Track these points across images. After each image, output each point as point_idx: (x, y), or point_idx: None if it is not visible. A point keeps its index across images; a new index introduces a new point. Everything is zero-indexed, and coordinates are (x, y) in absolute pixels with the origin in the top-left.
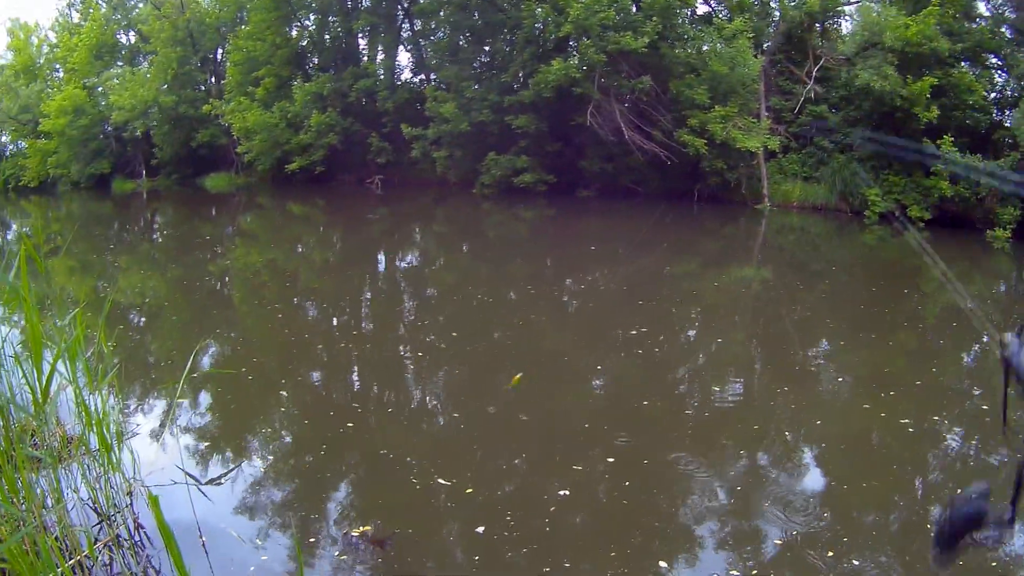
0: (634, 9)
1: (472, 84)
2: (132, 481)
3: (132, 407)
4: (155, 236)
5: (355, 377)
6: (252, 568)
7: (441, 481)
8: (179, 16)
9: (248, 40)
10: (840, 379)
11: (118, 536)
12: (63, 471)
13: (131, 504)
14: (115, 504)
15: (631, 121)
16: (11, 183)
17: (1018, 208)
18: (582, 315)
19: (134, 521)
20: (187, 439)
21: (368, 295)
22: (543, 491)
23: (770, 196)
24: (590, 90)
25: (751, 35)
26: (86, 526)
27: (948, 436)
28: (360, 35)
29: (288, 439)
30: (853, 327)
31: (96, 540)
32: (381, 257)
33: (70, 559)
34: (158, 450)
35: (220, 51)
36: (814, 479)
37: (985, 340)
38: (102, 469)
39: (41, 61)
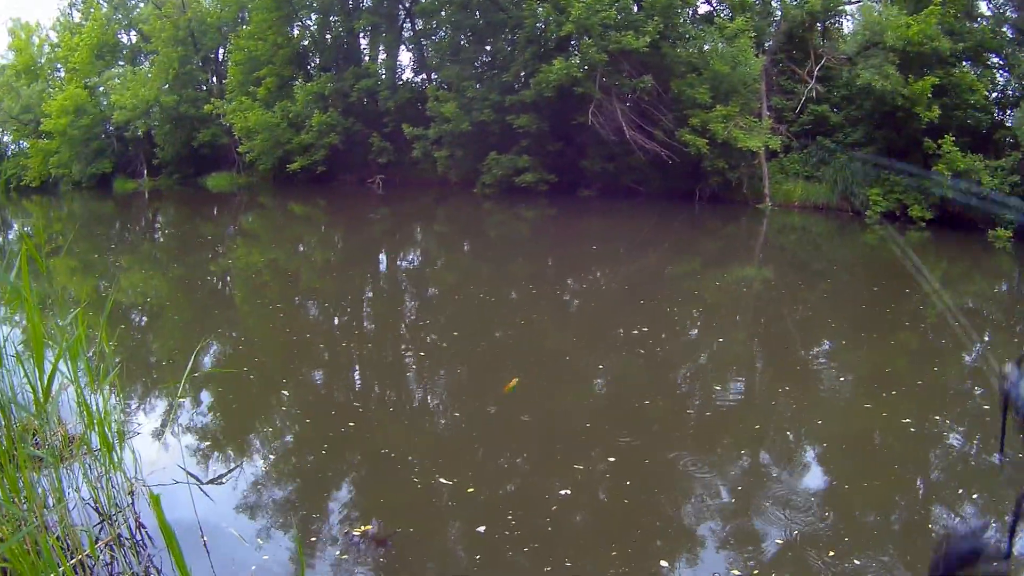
0: (635, 8)
1: (473, 84)
2: (133, 480)
3: (133, 406)
4: (156, 236)
5: (356, 376)
6: (253, 567)
7: (442, 480)
8: (180, 16)
9: (249, 40)
10: (841, 379)
11: (119, 535)
12: (64, 470)
13: (132, 503)
14: (116, 503)
15: (632, 121)
16: (13, 183)
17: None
18: (583, 315)
19: (135, 520)
20: (188, 438)
21: (369, 295)
22: (544, 490)
23: (771, 196)
24: (591, 89)
25: (752, 34)
26: (87, 525)
27: (949, 436)
28: (361, 35)
29: (289, 438)
30: (854, 327)
31: (97, 539)
32: (382, 257)
33: (71, 558)
34: (159, 449)
35: (221, 51)
36: (815, 479)
37: (987, 337)
38: (103, 468)
39: (42, 61)
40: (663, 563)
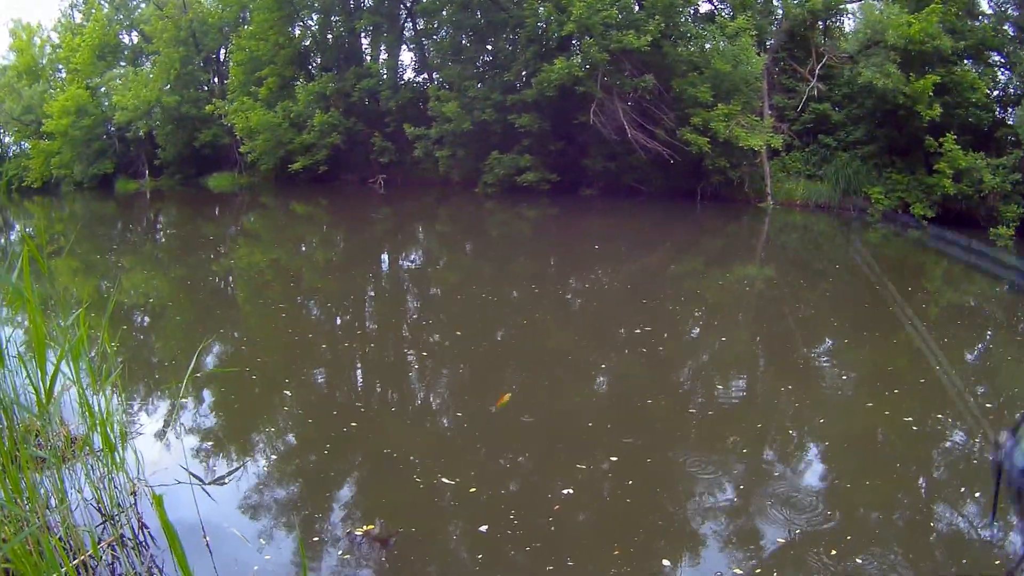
0: (636, 8)
1: (475, 83)
2: (136, 481)
3: (136, 407)
4: (158, 236)
5: (358, 376)
6: (256, 567)
7: (445, 480)
8: (181, 16)
9: (251, 40)
10: (843, 377)
11: (122, 536)
12: (67, 471)
13: (135, 504)
14: (119, 504)
15: (634, 120)
16: (14, 184)
17: (1021, 206)
18: (585, 314)
19: (138, 521)
20: (191, 439)
21: (371, 294)
22: (547, 490)
23: (773, 194)
24: (593, 89)
25: (754, 33)
26: (90, 526)
27: (951, 434)
28: (363, 35)
29: (291, 438)
30: (856, 325)
31: (100, 540)
32: (384, 257)
33: (74, 559)
34: (162, 450)
35: (223, 51)
36: (817, 478)
37: (989, 336)
38: (106, 469)
39: (44, 62)
40: (665, 562)
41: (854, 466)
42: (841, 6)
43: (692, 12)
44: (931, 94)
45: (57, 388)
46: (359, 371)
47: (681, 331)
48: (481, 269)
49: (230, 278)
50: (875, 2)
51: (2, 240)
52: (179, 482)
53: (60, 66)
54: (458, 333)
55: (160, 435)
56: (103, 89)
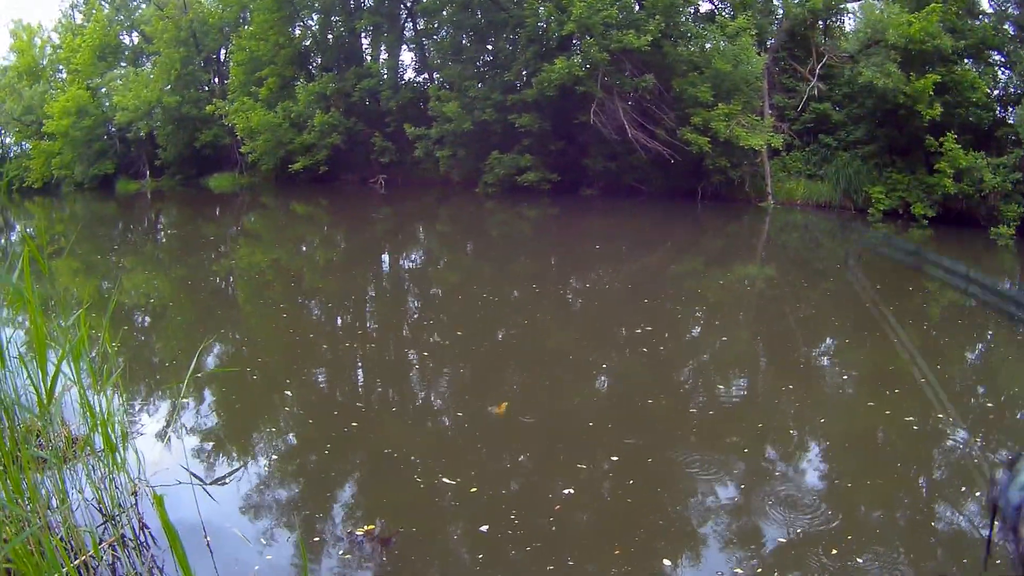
0: (637, 7)
1: (475, 83)
2: (137, 481)
3: (137, 407)
4: (159, 236)
5: (359, 376)
6: (257, 567)
7: (445, 480)
8: (182, 16)
9: (251, 40)
10: (844, 377)
11: (123, 536)
12: (68, 471)
13: (136, 504)
14: (120, 504)
15: (634, 119)
16: (15, 184)
17: (1022, 205)
18: (586, 314)
19: (139, 521)
20: (192, 439)
21: (372, 294)
22: (547, 490)
23: (774, 194)
24: (593, 88)
25: (754, 33)
26: (91, 526)
27: (953, 434)
28: (363, 35)
29: (292, 438)
30: (857, 325)
31: (101, 540)
32: (385, 257)
33: (75, 559)
34: (163, 450)
35: (223, 51)
36: (818, 477)
37: (990, 336)
38: (107, 469)
39: (44, 62)
40: (666, 562)
41: (855, 466)
42: (841, 6)
43: (692, 12)
44: (931, 93)
45: (58, 389)
46: (360, 371)
47: (682, 331)
48: (482, 269)
49: (231, 278)
50: (875, 1)
51: (3, 240)
52: (180, 482)
53: (61, 67)
54: (459, 333)
55: (161, 435)
56: (104, 90)
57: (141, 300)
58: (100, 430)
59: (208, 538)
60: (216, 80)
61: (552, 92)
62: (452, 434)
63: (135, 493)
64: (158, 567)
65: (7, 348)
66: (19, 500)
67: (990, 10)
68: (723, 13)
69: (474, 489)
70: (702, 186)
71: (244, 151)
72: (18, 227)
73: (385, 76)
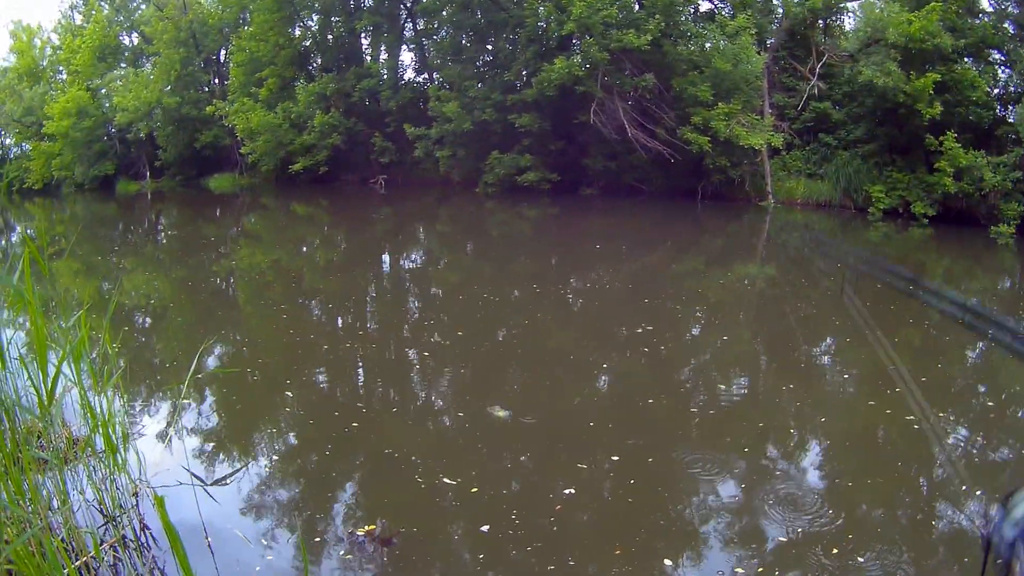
0: (637, 7)
1: (475, 83)
2: (138, 482)
3: (137, 408)
4: (159, 237)
5: (360, 377)
6: (258, 568)
7: (446, 480)
8: (182, 17)
9: (251, 41)
10: (845, 376)
11: (124, 537)
12: (69, 473)
13: (137, 505)
14: (121, 505)
15: (634, 119)
16: (15, 186)
17: (1022, 204)
18: (587, 313)
19: (140, 522)
20: (192, 440)
21: (372, 295)
22: (548, 490)
23: (774, 193)
24: (593, 88)
25: (754, 32)
26: (92, 527)
27: (953, 432)
28: (363, 35)
29: (293, 439)
30: (857, 323)
31: (102, 541)
32: (385, 257)
33: (76, 560)
34: (163, 451)
35: (223, 52)
36: (819, 476)
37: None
38: (108, 470)
39: (44, 63)
40: (667, 562)
41: (856, 464)
42: (841, 4)
43: (692, 11)
44: (931, 92)
45: (59, 390)
46: (360, 371)
47: (682, 330)
48: (482, 269)
49: (231, 279)
50: (875, 0)
51: (3, 242)
52: (181, 483)
53: (61, 68)
54: (459, 333)
55: (162, 436)
56: (104, 91)
57: (142, 301)
58: (101, 431)
59: (209, 539)
60: (216, 81)
61: (552, 92)
62: (453, 434)
63: (136, 494)
64: (159, 568)
65: (8, 349)
66: (20, 501)
67: (990, 9)
68: (723, 12)
69: (475, 489)
70: (702, 185)
71: (244, 152)
72: (19, 228)
73: (385, 76)
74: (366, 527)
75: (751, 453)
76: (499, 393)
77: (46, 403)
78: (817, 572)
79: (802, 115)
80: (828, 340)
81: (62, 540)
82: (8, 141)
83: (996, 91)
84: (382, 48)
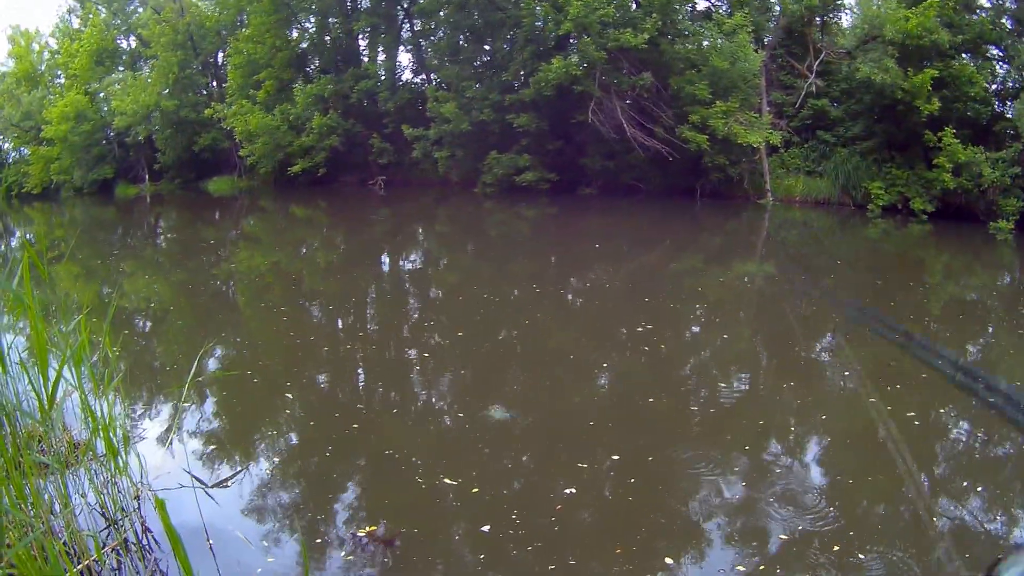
0: (633, 6)
1: (473, 83)
2: (139, 485)
3: (138, 412)
4: (159, 241)
5: (360, 378)
6: (259, 570)
7: (447, 481)
8: (179, 20)
9: (248, 43)
10: (845, 373)
11: (126, 540)
12: (70, 476)
13: (138, 508)
14: (122, 508)
15: (632, 118)
16: (14, 190)
17: (1021, 200)
18: (586, 313)
19: (141, 525)
20: (193, 443)
21: (372, 296)
22: (549, 490)
23: (773, 191)
24: (591, 88)
25: (751, 30)
26: (94, 531)
27: (954, 429)
28: (360, 36)
29: (294, 441)
30: (858, 321)
31: (104, 544)
32: (385, 258)
33: (78, 563)
34: (164, 454)
35: (221, 54)
36: (819, 474)
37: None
38: (109, 474)
39: (42, 68)
40: (668, 560)
41: (856, 462)
42: (838, 1)
43: (689, 9)
44: (929, 88)
45: (59, 394)
46: (360, 373)
47: (682, 329)
48: (481, 269)
49: (231, 282)
50: None
51: (2, 246)
52: (182, 486)
53: (59, 72)
54: (459, 334)
55: (163, 439)
56: (102, 94)
57: (141, 304)
58: (102, 435)
59: (210, 541)
60: (214, 83)
61: (550, 92)
62: (453, 434)
63: (137, 497)
64: (161, 571)
65: (8, 354)
66: (22, 505)
67: (987, 4)
68: (720, 11)
69: (475, 489)
70: (701, 184)
71: (243, 154)
72: (18, 233)
73: (383, 77)
74: (367, 528)
75: (751, 451)
76: (499, 393)
77: (47, 407)
78: (818, 569)
79: (800, 112)
80: (828, 337)
81: (64, 544)
82: (7, 146)
83: (994, 87)
84: (380, 49)
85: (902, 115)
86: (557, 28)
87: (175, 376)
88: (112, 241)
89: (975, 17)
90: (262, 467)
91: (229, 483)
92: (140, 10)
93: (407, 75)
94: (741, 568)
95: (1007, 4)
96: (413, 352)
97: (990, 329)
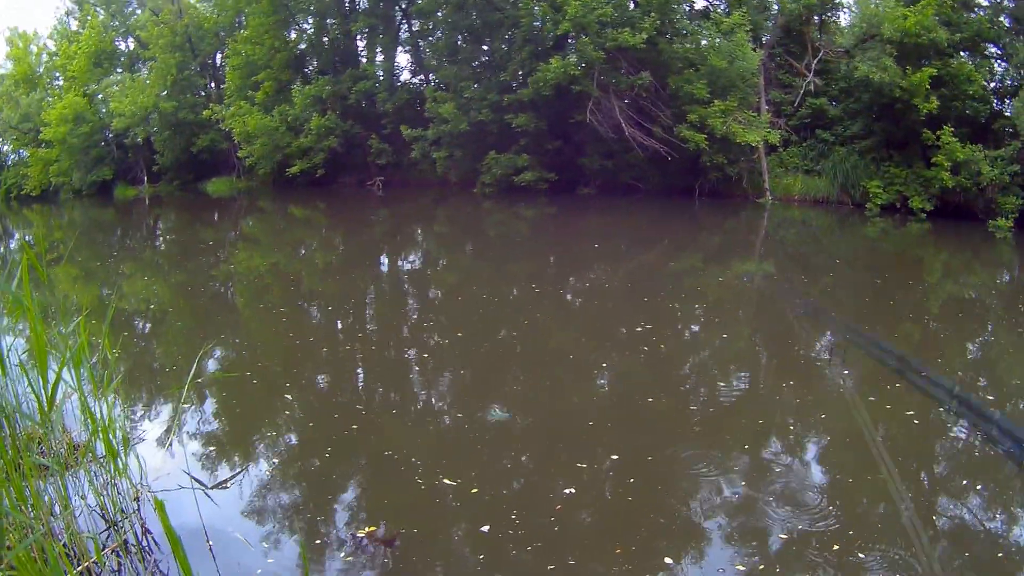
0: (632, 5)
1: (471, 84)
2: (139, 487)
3: (138, 413)
4: (158, 242)
5: (359, 379)
6: (259, 571)
7: (446, 481)
8: (177, 21)
9: (247, 44)
10: (845, 372)
11: (125, 542)
12: (70, 478)
13: (138, 510)
14: (122, 510)
15: (631, 117)
16: (13, 192)
17: (1020, 197)
18: (586, 313)
19: (141, 526)
20: (193, 444)
21: (371, 297)
22: (548, 490)
23: (771, 190)
24: (589, 87)
25: (749, 29)
26: (94, 532)
27: (953, 428)
28: (358, 37)
29: (293, 442)
30: (857, 320)
31: (104, 546)
32: (384, 259)
33: (78, 565)
34: (164, 455)
35: (219, 56)
36: (819, 473)
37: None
38: (109, 475)
39: (41, 70)
40: (668, 560)
41: (856, 461)
42: (836, 0)
43: (687, 9)
44: (928, 87)
45: (59, 396)
46: (360, 373)
47: (681, 329)
48: (480, 269)
49: (230, 283)
50: None
51: (2, 248)
52: (182, 487)
53: (57, 74)
54: (458, 334)
55: (162, 441)
56: (100, 96)
57: (141, 306)
58: (101, 436)
59: (210, 542)
60: (212, 85)
61: (548, 91)
62: (453, 435)
63: (137, 499)
64: (161, 572)
65: (8, 356)
66: (22, 507)
67: (985, 3)
68: (718, 10)
69: (475, 490)
70: (699, 183)
71: (241, 155)
72: (17, 235)
73: (381, 78)
74: (367, 528)
75: (751, 450)
76: (498, 393)
77: (46, 409)
78: (818, 569)
79: (799, 111)
80: (827, 336)
81: (64, 545)
82: (5, 148)
83: (993, 85)
84: (378, 50)
85: (900, 114)
86: (555, 28)
87: (174, 377)
88: (111, 243)
89: (973, 15)
90: (262, 468)
91: (229, 484)
92: (138, 12)
93: (405, 76)
94: (741, 567)
95: (1005, 2)
96: (412, 352)
97: (989, 327)
